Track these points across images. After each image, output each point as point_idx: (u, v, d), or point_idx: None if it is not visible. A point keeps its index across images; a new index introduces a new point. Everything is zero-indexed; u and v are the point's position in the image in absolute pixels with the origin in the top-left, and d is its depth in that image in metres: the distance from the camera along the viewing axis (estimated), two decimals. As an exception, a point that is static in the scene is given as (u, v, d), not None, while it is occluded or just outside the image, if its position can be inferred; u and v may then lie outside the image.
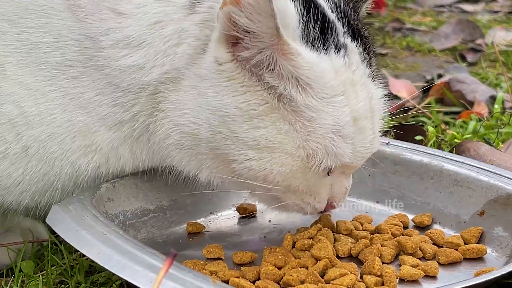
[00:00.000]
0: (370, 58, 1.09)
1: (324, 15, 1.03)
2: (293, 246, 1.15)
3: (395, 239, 1.17)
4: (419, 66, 2.46)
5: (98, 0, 1.07)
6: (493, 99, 1.99)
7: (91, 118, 1.10)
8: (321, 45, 1.02)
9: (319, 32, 1.02)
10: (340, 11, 1.07)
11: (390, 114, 1.90)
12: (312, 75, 1.00)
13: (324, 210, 1.13)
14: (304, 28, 1.01)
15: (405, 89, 2.10)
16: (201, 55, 1.04)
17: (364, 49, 1.08)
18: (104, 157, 1.13)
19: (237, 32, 0.99)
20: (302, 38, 1.01)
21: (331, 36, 1.03)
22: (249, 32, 0.98)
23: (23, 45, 1.08)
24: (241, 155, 1.03)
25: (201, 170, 1.10)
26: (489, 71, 2.35)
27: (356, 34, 1.07)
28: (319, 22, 1.02)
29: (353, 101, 1.04)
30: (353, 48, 1.06)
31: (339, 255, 1.14)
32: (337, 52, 1.03)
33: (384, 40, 2.78)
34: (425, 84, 2.19)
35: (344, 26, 1.06)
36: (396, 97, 2.07)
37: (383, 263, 1.10)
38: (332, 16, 1.05)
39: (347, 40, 1.05)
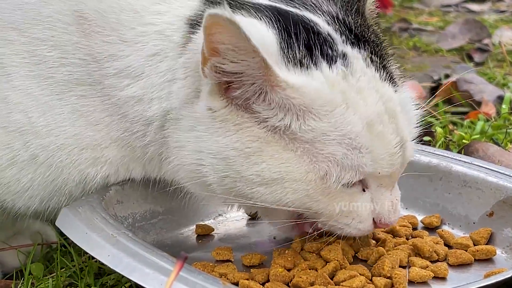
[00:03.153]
0: (381, 60, 1.05)
1: (308, 31, 1.00)
2: (302, 248, 1.15)
3: (410, 241, 1.16)
4: (426, 66, 2.46)
5: (106, 16, 1.06)
6: (500, 99, 1.99)
7: (101, 135, 1.10)
8: (310, 61, 0.99)
9: (305, 49, 0.99)
10: (339, 21, 1.04)
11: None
12: (306, 101, 0.98)
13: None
14: (287, 50, 0.98)
15: (412, 89, 2.09)
16: (195, 98, 1.03)
17: (372, 52, 1.04)
18: (113, 168, 1.12)
19: (226, 77, 0.98)
20: (288, 61, 0.98)
21: (321, 49, 1.00)
22: (237, 73, 0.97)
23: (30, 56, 1.08)
24: (253, 193, 1.01)
25: (217, 202, 1.09)
26: (497, 71, 2.35)
27: (359, 39, 1.04)
28: (303, 40, 0.99)
29: (362, 108, 0.99)
30: (355, 54, 1.02)
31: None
32: (332, 64, 1.00)
33: (390, 41, 2.77)
34: (432, 85, 2.19)
35: (343, 35, 1.03)
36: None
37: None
38: (326, 28, 1.02)
39: (346, 48, 1.01)
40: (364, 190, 1.05)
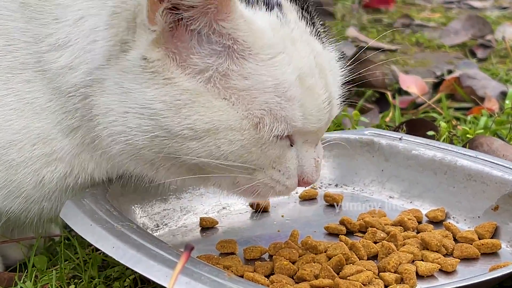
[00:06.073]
0: (311, 17, 1.05)
1: None
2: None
3: (418, 235, 1.16)
4: (428, 62, 2.45)
5: (42, 2, 1.05)
6: (503, 94, 1.99)
7: (48, 124, 1.07)
8: (254, 1, 0.98)
9: None
10: None
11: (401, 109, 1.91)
12: (251, 38, 0.96)
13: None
14: None
15: (415, 85, 2.10)
16: (121, 52, 1.00)
17: (302, 8, 1.04)
18: (68, 166, 1.09)
19: (182, 11, 0.95)
20: None
21: None
22: (192, 7, 0.94)
23: None
24: (185, 149, 0.99)
25: (158, 173, 1.05)
26: (499, 67, 2.35)
27: None
28: None
29: (296, 59, 0.99)
30: (288, 6, 1.02)
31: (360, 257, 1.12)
32: (270, 10, 0.99)
33: (393, 36, 2.77)
34: (435, 80, 2.19)
35: None
36: (406, 93, 2.07)
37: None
38: None
39: None
40: (291, 146, 1.04)
